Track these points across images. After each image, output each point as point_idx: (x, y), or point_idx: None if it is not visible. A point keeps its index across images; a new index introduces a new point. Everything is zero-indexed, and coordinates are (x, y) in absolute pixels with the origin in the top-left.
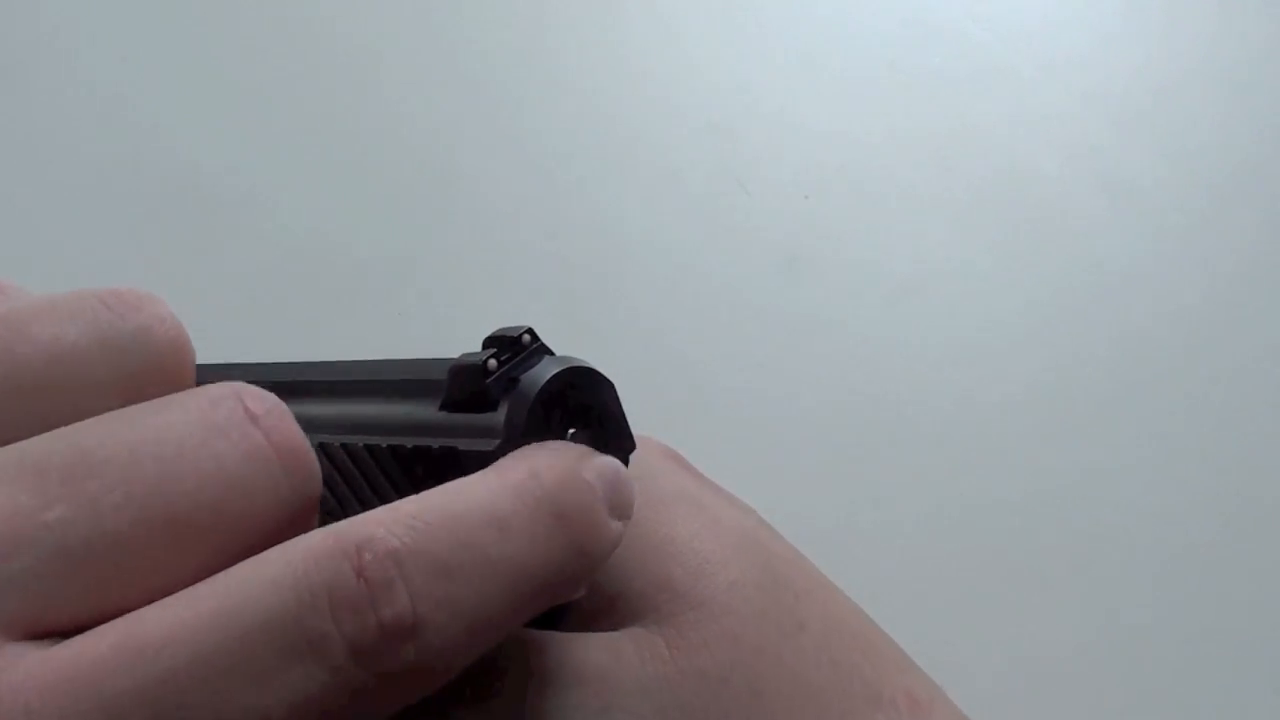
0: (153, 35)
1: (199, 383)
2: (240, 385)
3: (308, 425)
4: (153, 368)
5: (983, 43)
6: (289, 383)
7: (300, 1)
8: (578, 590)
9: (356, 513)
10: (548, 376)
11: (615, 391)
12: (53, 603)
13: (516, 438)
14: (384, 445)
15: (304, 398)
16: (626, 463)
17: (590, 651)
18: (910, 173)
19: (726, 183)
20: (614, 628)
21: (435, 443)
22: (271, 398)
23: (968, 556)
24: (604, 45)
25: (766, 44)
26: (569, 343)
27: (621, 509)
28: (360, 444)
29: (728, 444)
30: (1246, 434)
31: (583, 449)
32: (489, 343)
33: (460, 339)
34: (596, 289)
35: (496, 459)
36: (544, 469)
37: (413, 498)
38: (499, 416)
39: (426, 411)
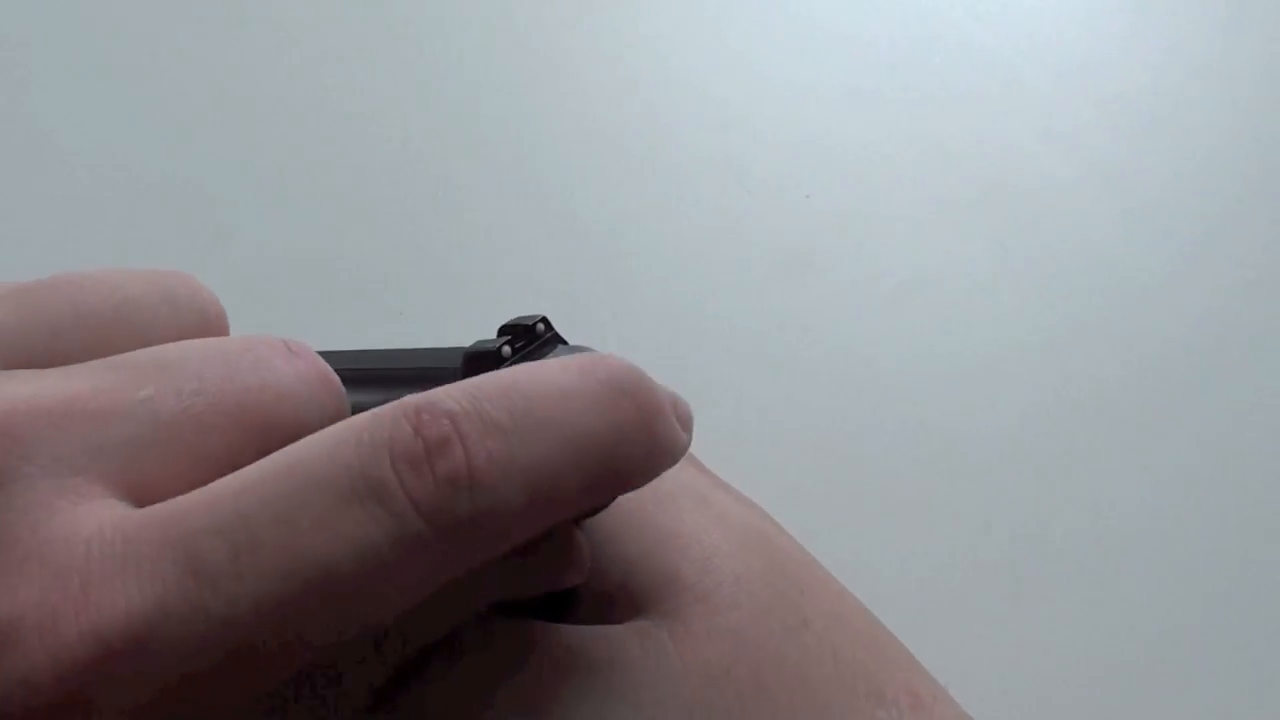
0: (149, 38)
1: None
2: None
3: None
4: (203, 322)
5: (986, 46)
6: None
7: (299, 3)
8: (643, 479)
9: None
10: None
11: None
12: (147, 466)
13: None
14: None
15: None
16: None
17: (595, 643)
18: (912, 173)
19: (727, 182)
20: (619, 620)
21: None
22: (304, 344)
23: (968, 556)
24: (604, 45)
25: (768, 43)
26: (573, 339)
27: (684, 420)
28: None
29: (726, 444)
30: (1260, 447)
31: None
32: (504, 331)
33: (460, 339)
34: (596, 289)
35: None
36: (604, 361)
37: (470, 378)
38: None
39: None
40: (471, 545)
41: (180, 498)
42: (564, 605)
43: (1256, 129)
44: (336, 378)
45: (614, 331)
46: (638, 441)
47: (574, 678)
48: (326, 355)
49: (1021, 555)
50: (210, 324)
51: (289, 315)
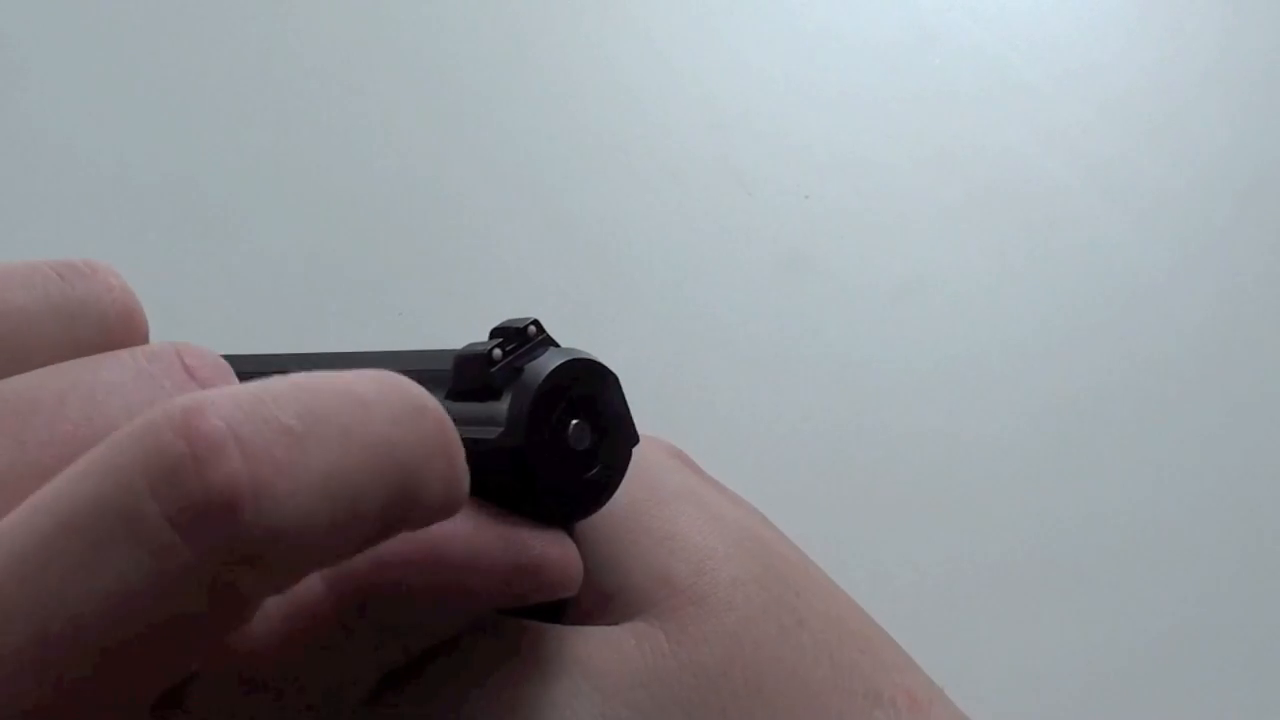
0: (150, 39)
1: None
2: (182, 344)
3: None
4: (101, 331)
5: (986, 47)
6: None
7: (301, 4)
8: (442, 511)
9: None
10: (552, 367)
11: (620, 386)
12: None
13: (519, 427)
14: None
15: None
16: (629, 457)
17: (590, 644)
18: (912, 174)
19: (727, 182)
20: (614, 622)
21: None
22: (212, 355)
23: (967, 557)
24: (604, 46)
25: (768, 44)
26: (568, 341)
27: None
28: None
29: (725, 444)
30: (1262, 448)
31: None
32: (495, 333)
33: (459, 339)
34: (596, 289)
35: (499, 448)
36: (405, 380)
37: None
38: (502, 406)
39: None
40: (269, 566)
41: None
42: (559, 606)
43: (1258, 131)
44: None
45: (612, 332)
46: (439, 463)
47: (569, 679)
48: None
49: (1021, 557)
50: (111, 333)
51: (289, 314)
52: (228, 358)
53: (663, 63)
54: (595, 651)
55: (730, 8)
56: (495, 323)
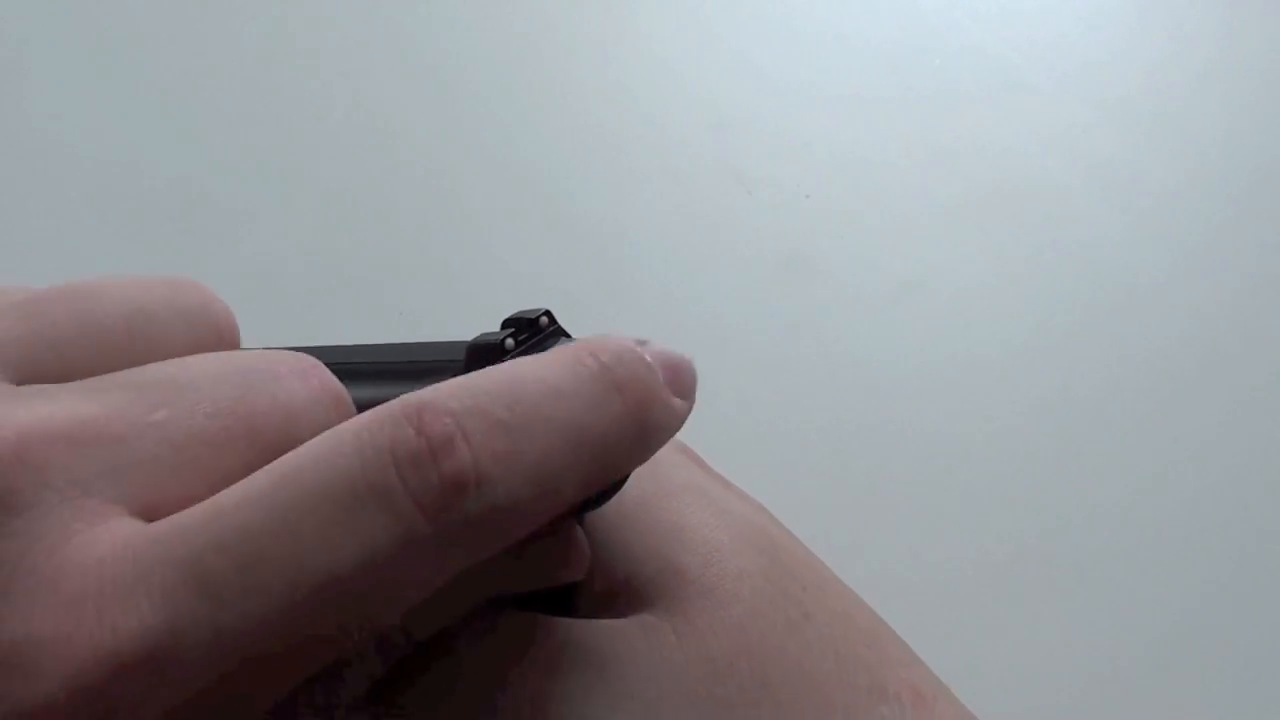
0: (150, 39)
1: None
2: (294, 352)
3: None
4: (215, 334)
5: (985, 45)
6: None
7: (303, 5)
8: (641, 459)
9: None
10: None
11: None
12: (161, 486)
13: None
14: None
15: None
16: None
17: (599, 637)
18: (912, 173)
19: (728, 182)
20: (623, 613)
21: None
22: (317, 362)
23: (967, 557)
24: (605, 45)
25: (769, 44)
26: (573, 334)
27: (682, 389)
28: None
29: (725, 443)
30: (1262, 449)
31: (638, 339)
32: (507, 324)
33: (461, 336)
34: (597, 288)
35: None
36: (598, 349)
37: (466, 375)
38: None
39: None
40: (477, 542)
41: (187, 512)
42: (566, 599)
43: (1258, 131)
44: (348, 396)
45: (614, 331)
46: (629, 432)
47: (577, 671)
48: (327, 350)
49: (1022, 555)
50: (223, 337)
51: (291, 313)
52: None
53: (663, 62)
54: (604, 645)
55: (731, 8)
56: (496, 322)
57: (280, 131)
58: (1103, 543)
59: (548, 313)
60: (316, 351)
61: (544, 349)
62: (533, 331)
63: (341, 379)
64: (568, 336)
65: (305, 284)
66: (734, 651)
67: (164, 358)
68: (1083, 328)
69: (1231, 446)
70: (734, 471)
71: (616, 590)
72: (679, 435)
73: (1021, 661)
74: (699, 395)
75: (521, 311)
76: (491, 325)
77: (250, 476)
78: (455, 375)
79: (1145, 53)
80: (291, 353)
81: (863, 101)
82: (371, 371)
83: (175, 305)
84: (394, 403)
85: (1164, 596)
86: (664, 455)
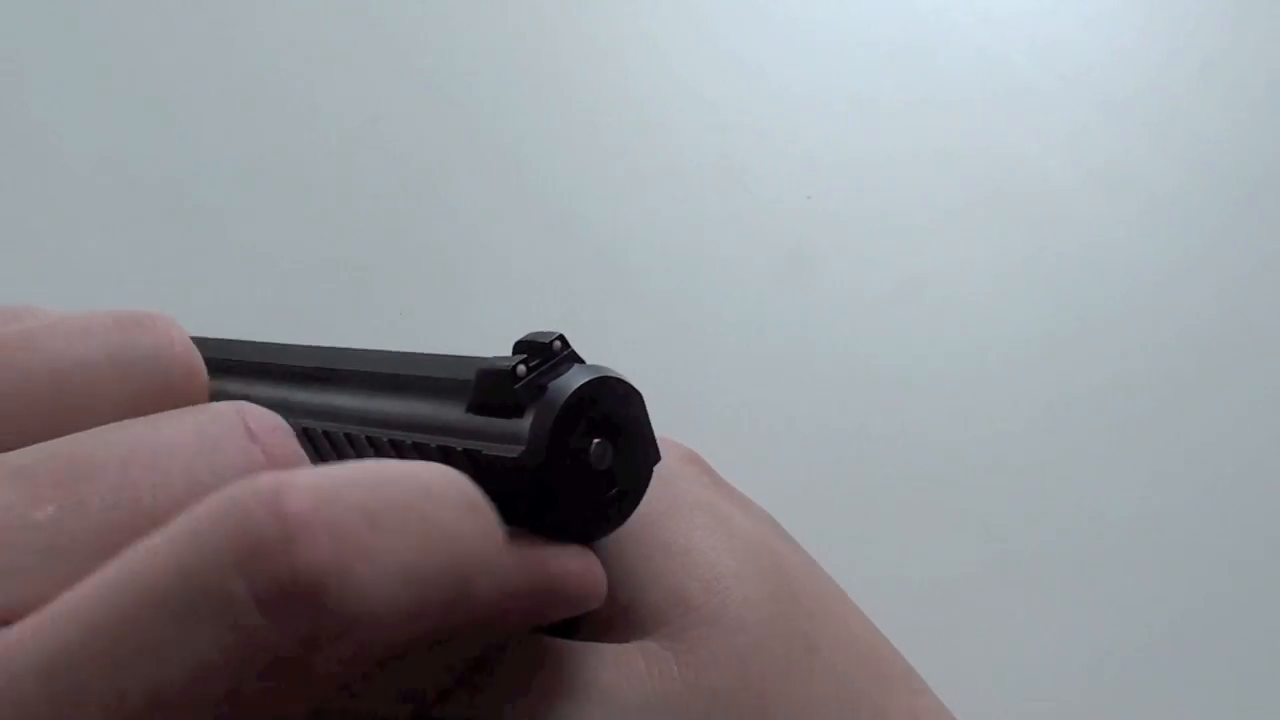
0: (150, 39)
1: (221, 357)
2: (245, 405)
3: (332, 415)
4: (163, 386)
5: (989, 48)
6: (315, 369)
7: (306, 6)
8: (500, 594)
9: None
10: (575, 386)
11: (643, 404)
12: (32, 591)
13: (541, 445)
14: (409, 441)
15: (329, 386)
16: (650, 475)
17: (600, 663)
18: (914, 174)
19: (729, 182)
20: (625, 638)
21: (459, 444)
22: (275, 418)
23: (968, 559)
24: (608, 47)
25: (771, 45)
26: (588, 352)
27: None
28: (385, 439)
29: (726, 443)
30: (1265, 449)
31: None
32: (519, 348)
33: (462, 338)
34: (598, 288)
35: (520, 466)
36: (457, 473)
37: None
38: (524, 423)
39: (453, 412)
40: (343, 654)
41: (16, 626)
42: (570, 621)
43: (1259, 132)
44: (304, 457)
45: (616, 332)
46: (490, 558)
47: (576, 698)
48: (339, 354)
49: (1023, 556)
50: (174, 388)
51: (292, 314)
52: (259, 346)
53: (665, 64)
54: (605, 671)
55: (733, 9)
56: (497, 322)
57: (281, 132)
58: (1103, 543)
59: (561, 337)
60: (326, 354)
61: (557, 374)
62: (545, 357)
63: (351, 387)
64: (580, 361)
65: (308, 284)
66: (736, 683)
67: (94, 422)
68: (1083, 328)
69: (1232, 447)
70: (733, 471)
71: (621, 613)
72: (673, 437)
73: (1020, 662)
74: (700, 394)
75: (534, 334)
76: (493, 324)
77: (83, 584)
78: (464, 397)
79: (1146, 54)
80: (237, 411)
81: (864, 102)
82: (382, 383)
83: (119, 355)
84: (245, 482)
85: (1165, 597)
86: (673, 468)
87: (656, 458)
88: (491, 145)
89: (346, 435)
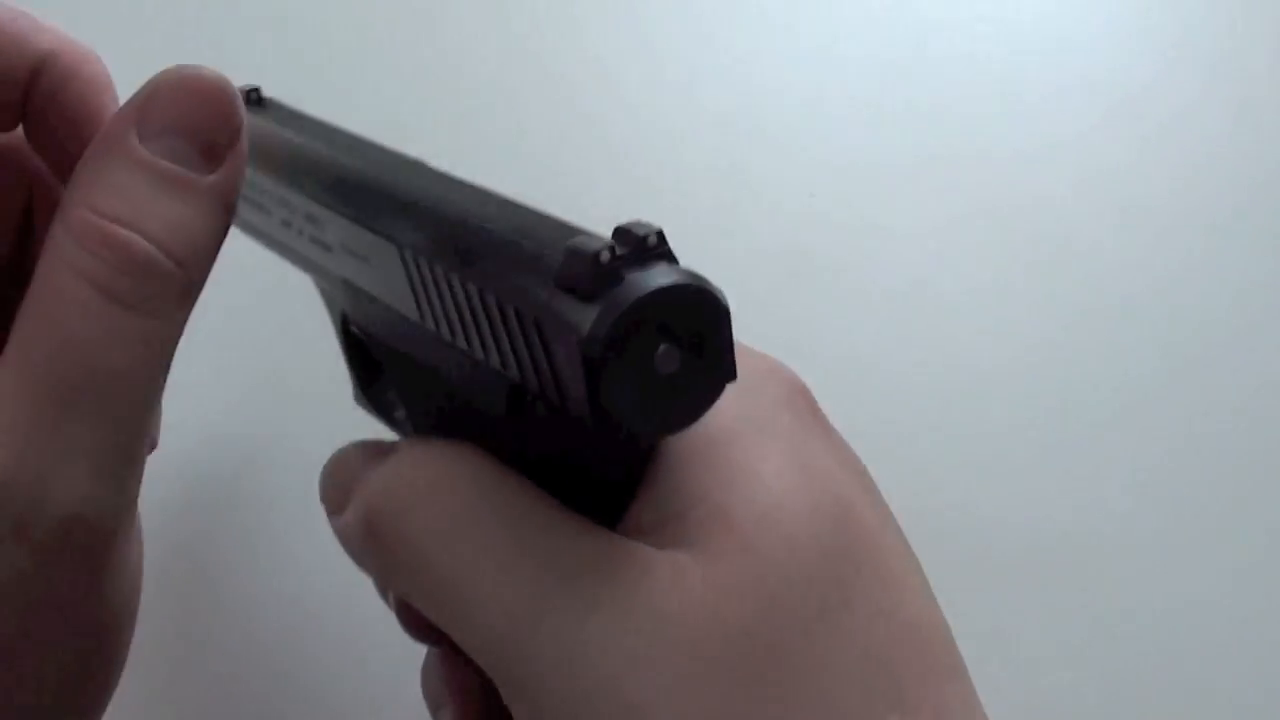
0: (145, 40)
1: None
2: None
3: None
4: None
5: (989, 49)
6: (436, 199)
7: (308, 6)
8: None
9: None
10: (654, 285)
11: (727, 318)
12: None
13: (599, 336)
14: (493, 300)
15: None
16: (720, 391)
17: (628, 559)
18: (916, 174)
19: (730, 182)
20: (662, 546)
21: (533, 314)
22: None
23: (969, 559)
24: (608, 44)
25: (772, 42)
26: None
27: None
28: (476, 291)
29: None
30: (1267, 452)
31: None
32: (616, 234)
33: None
34: None
35: (578, 350)
36: None
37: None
38: (592, 311)
39: (542, 281)
40: None
41: None
42: (616, 509)
43: (1262, 137)
44: None
45: None
46: None
47: (596, 583)
48: (450, 183)
49: (1023, 559)
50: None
51: (298, 315)
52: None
53: (666, 65)
54: (627, 566)
55: (735, 10)
56: None
57: None
58: (1104, 545)
59: (659, 233)
60: (450, 184)
61: (641, 269)
62: (636, 247)
63: (443, 227)
64: (673, 262)
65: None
66: (754, 618)
67: None
68: (1084, 331)
69: (1232, 449)
70: None
71: (667, 521)
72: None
73: (1019, 663)
74: None
75: (634, 223)
76: None
77: None
78: (549, 276)
79: (1148, 59)
80: None
81: (867, 103)
82: (488, 241)
83: None
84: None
85: (1162, 596)
86: (770, 391)
87: (731, 376)
88: (492, 144)
89: (447, 279)
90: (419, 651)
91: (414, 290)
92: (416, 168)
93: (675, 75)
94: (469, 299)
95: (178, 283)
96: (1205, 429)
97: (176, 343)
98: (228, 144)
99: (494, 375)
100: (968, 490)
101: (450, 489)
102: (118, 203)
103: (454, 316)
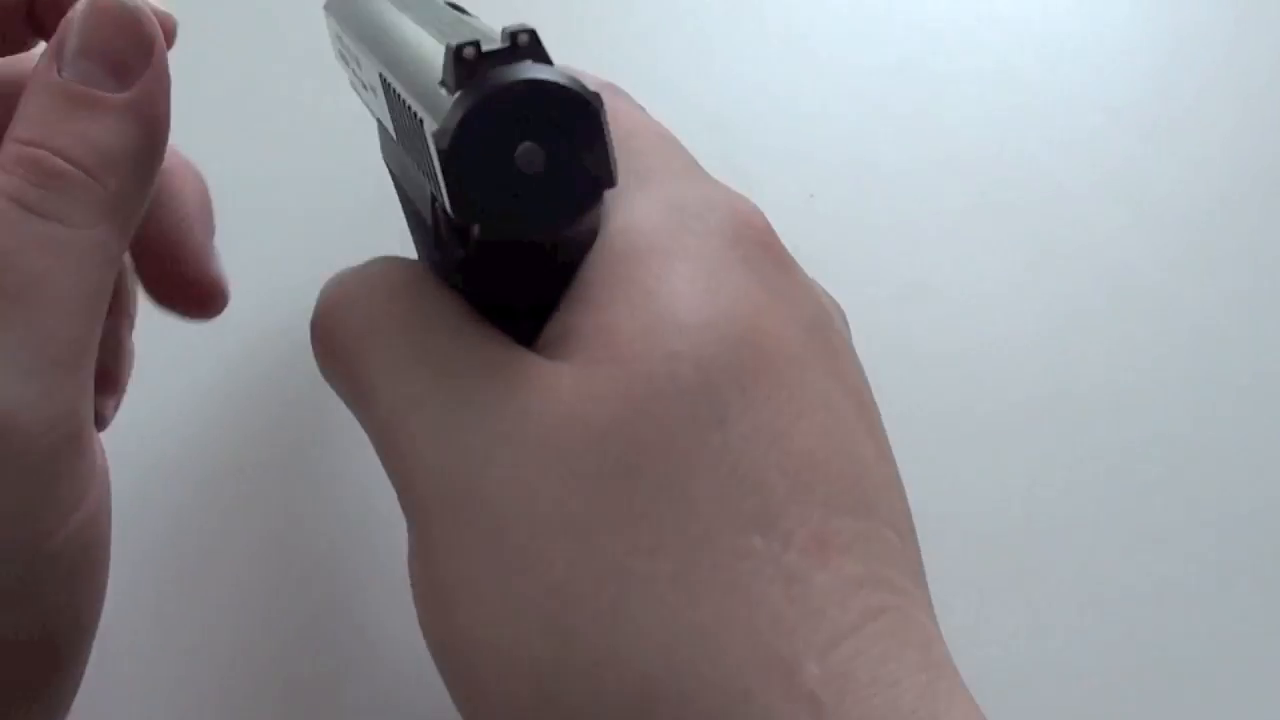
0: None
1: None
2: None
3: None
4: None
5: (992, 48)
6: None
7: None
8: None
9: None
10: (510, 79)
11: (598, 118)
12: None
13: (449, 129)
14: (401, 97)
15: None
16: (596, 194)
17: (515, 363)
18: (918, 174)
19: (730, 182)
20: (554, 358)
21: (419, 111)
22: None
23: (969, 560)
24: (606, 43)
25: (772, 41)
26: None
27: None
28: (395, 88)
29: None
30: (1272, 449)
31: None
32: (503, 35)
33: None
34: None
35: (441, 149)
36: None
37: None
38: (451, 106)
39: (431, 81)
40: None
41: None
42: (536, 327)
43: (1269, 136)
44: None
45: None
46: None
47: (475, 383)
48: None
49: (1024, 558)
50: None
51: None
52: None
53: (665, 61)
54: (510, 374)
55: (735, 7)
56: None
57: (285, 132)
58: (1105, 544)
59: (531, 32)
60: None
61: (507, 65)
62: (505, 46)
63: (398, 43)
64: (543, 60)
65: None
66: (613, 426)
67: None
68: (1088, 331)
69: (1235, 448)
70: None
71: (564, 337)
72: None
73: (1016, 664)
74: None
75: (519, 25)
76: None
77: None
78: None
79: (1152, 59)
80: None
81: (868, 102)
82: (412, 47)
83: None
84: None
85: (1168, 597)
86: (711, 220)
87: (608, 181)
88: None
89: (380, 76)
90: (419, 653)
91: (387, 106)
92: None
93: (673, 76)
94: (400, 103)
95: (93, 192)
96: (1212, 427)
97: (110, 256)
98: (141, 62)
99: (427, 190)
100: (971, 489)
101: (376, 296)
102: (34, 127)
103: (400, 126)
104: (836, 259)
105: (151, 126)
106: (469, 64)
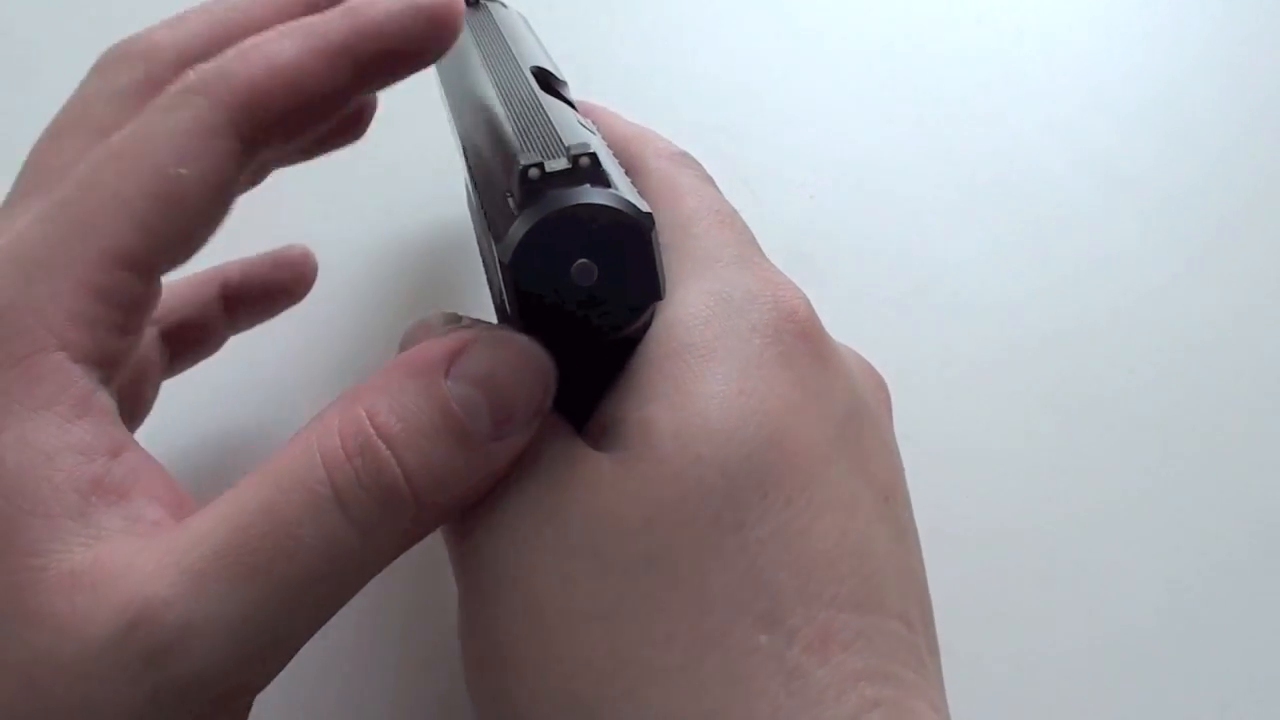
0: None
1: None
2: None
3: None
4: None
5: (992, 44)
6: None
7: None
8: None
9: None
10: (569, 202)
11: (648, 239)
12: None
13: (512, 245)
14: (480, 205)
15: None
16: (646, 308)
17: (562, 452)
18: (919, 174)
19: (731, 182)
20: (599, 448)
21: (486, 209)
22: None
23: (969, 560)
24: (607, 43)
25: (772, 41)
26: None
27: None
28: (473, 173)
29: None
30: (1270, 444)
31: None
32: (566, 153)
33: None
34: None
35: (504, 261)
36: None
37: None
38: (515, 222)
39: (499, 188)
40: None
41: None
42: (584, 417)
43: (1271, 132)
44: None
45: None
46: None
47: (522, 471)
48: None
49: (1023, 560)
50: None
51: (296, 310)
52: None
53: (665, 60)
54: (555, 462)
55: (734, 11)
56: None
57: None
58: (1107, 544)
59: (592, 154)
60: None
61: (567, 187)
62: (570, 168)
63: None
64: (602, 185)
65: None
66: (644, 524)
67: None
68: (1088, 330)
69: (1238, 448)
70: None
71: (611, 426)
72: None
73: (1015, 665)
74: None
75: (579, 146)
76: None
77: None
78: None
79: (1154, 55)
80: None
81: (869, 102)
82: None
83: None
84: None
85: (1169, 599)
86: (752, 316)
87: (656, 295)
88: None
89: (464, 153)
90: (419, 652)
91: (467, 177)
92: (518, 80)
93: (673, 76)
94: (474, 191)
95: (406, 516)
96: (1215, 427)
97: (377, 566)
98: (524, 422)
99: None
100: (973, 489)
101: None
102: (394, 421)
103: (473, 209)
104: (837, 259)
105: (493, 478)
106: (533, 184)
